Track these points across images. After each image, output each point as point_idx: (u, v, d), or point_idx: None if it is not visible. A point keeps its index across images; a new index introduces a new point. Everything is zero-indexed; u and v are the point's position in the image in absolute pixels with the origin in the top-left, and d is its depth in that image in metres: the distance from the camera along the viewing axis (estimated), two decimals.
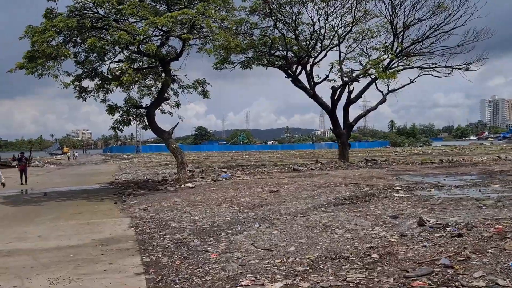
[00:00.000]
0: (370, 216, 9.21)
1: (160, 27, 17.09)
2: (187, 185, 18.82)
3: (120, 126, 22.24)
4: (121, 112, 21.99)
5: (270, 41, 28.64)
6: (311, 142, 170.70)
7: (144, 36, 17.51)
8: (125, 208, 13.70)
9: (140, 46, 18.95)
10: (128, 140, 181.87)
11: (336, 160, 31.32)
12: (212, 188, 16.29)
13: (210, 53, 17.09)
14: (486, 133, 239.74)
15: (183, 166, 19.65)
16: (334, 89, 30.25)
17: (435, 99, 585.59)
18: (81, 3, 17.54)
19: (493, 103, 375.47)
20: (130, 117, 22.42)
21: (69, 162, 59.35)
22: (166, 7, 19.04)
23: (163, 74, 21.08)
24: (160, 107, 22.41)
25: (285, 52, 30.66)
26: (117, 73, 18.93)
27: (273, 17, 27.63)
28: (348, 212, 9.93)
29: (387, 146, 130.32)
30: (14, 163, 51.94)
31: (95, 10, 17.84)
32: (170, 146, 20.05)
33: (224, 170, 24.53)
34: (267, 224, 9.26)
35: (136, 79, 17.57)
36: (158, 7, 18.92)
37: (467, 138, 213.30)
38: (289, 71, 31.22)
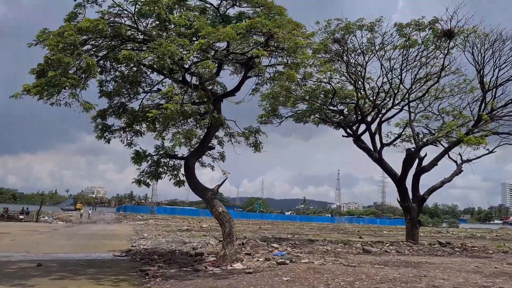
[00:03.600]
0: None
1: (223, 42, 12.32)
2: (236, 266, 13.37)
3: (147, 180, 16.95)
4: (150, 162, 16.90)
5: (333, 90, 23.77)
6: (329, 215, 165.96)
7: (196, 56, 12.94)
8: None
9: (187, 75, 14.44)
10: (142, 201, 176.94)
11: (403, 240, 25.44)
12: (285, 278, 10.71)
13: (293, 79, 12.10)
14: (511, 217, 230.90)
15: (231, 238, 13.98)
16: (409, 153, 24.52)
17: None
18: (117, 9, 13.11)
19: None
20: (161, 169, 17.23)
21: (80, 220, 54.01)
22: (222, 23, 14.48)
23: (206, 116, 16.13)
24: (201, 159, 17.40)
25: (346, 106, 25.88)
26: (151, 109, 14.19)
27: (344, 61, 22.92)
28: None
29: None
30: (21, 217, 47.60)
31: (134, 19, 13.31)
32: (215, 210, 14.54)
33: (275, 245, 18.88)
34: None
35: (184, 113, 12.56)
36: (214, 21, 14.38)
37: (491, 222, 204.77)
38: (348, 129, 26.17)
